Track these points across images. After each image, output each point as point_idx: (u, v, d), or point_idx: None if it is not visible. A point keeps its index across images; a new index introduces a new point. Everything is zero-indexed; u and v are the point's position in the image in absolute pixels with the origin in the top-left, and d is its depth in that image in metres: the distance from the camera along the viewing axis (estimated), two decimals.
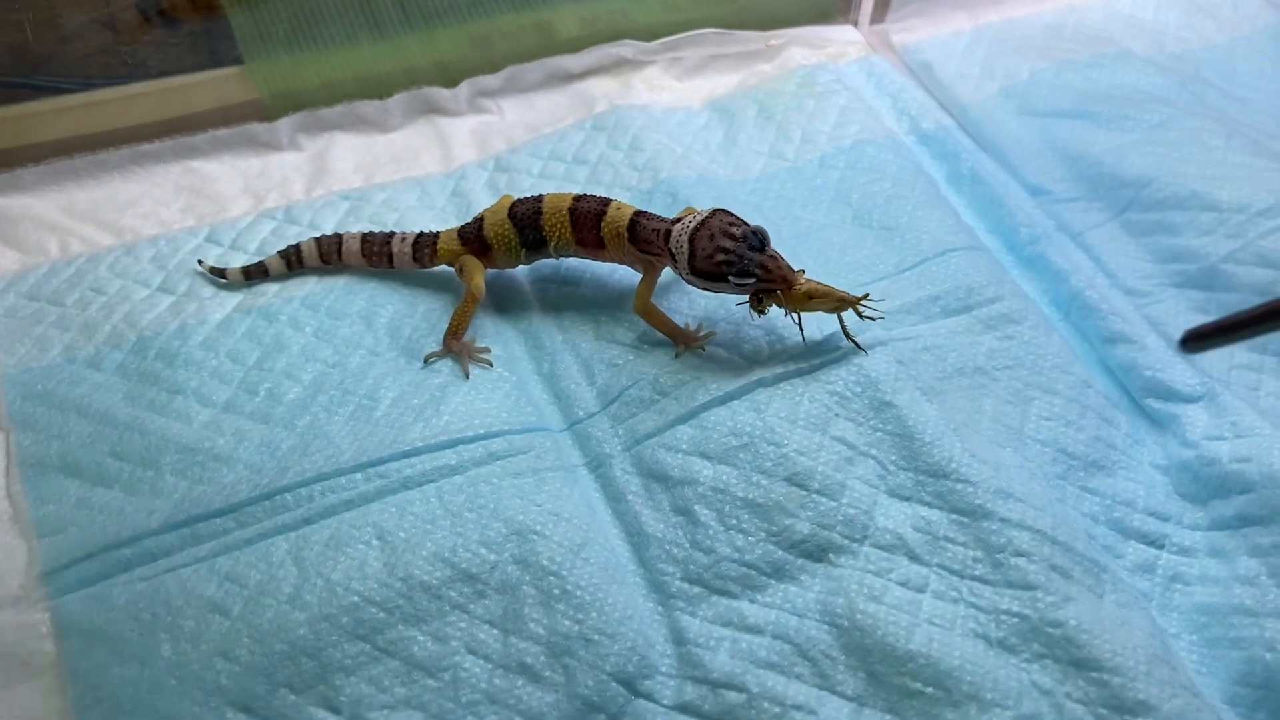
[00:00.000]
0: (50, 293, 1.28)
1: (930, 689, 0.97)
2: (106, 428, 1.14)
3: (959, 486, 1.07)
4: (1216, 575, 1.08)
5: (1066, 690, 0.97)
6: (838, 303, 1.12)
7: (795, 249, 1.31)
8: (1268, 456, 1.10)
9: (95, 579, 1.03)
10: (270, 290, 1.29)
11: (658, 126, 1.48)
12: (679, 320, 1.21)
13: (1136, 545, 1.10)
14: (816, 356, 1.17)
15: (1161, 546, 1.10)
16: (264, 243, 1.35)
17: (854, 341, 1.14)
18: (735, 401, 1.14)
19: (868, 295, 1.12)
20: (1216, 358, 1.22)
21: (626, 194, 1.39)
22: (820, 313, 1.14)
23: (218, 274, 1.30)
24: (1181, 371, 1.20)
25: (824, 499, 1.07)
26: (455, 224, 1.35)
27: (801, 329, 1.16)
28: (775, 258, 1.11)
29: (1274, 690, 1.00)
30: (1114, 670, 0.96)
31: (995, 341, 1.21)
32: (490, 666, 0.99)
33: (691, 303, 1.25)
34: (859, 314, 1.12)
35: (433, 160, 1.48)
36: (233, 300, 1.28)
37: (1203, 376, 1.20)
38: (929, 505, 1.07)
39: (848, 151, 1.44)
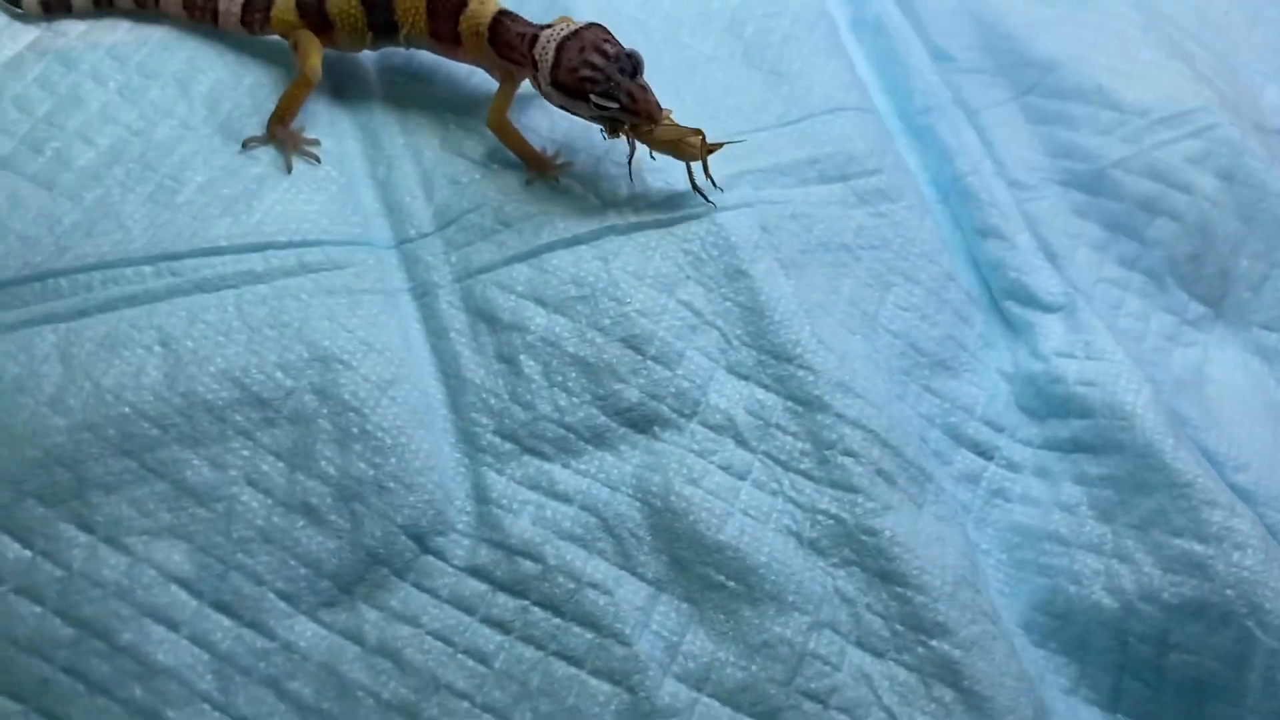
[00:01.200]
0: None
1: (732, 583, 0.94)
2: None
3: (800, 373, 1.01)
4: (1038, 497, 1.06)
5: (868, 601, 0.95)
6: (692, 151, 1.02)
7: (675, 81, 1.19)
8: (1113, 385, 1.07)
9: None
10: (73, 31, 1.11)
11: None
12: (535, 142, 1.10)
13: (966, 454, 1.07)
14: (677, 209, 1.08)
15: (990, 458, 1.08)
16: None
17: (702, 194, 1.05)
18: (582, 246, 1.05)
19: (721, 145, 1.02)
20: (1085, 267, 1.18)
21: None
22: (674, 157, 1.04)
23: (12, 3, 1.11)
24: (1046, 278, 1.15)
25: (659, 367, 1.00)
26: None
27: (632, 173, 1.06)
28: (645, 88, 1.00)
29: (1070, 623, 1.00)
30: (919, 588, 0.94)
31: (866, 218, 1.14)
32: (270, 503, 0.91)
33: (553, 124, 1.13)
34: (706, 171, 1.03)
35: None
36: (27, 36, 1.10)
37: (1066, 287, 1.15)
38: (766, 388, 1.02)
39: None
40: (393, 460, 0.93)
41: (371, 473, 0.92)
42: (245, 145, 1.07)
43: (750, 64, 1.25)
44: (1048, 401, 1.09)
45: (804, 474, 0.99)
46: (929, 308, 1.12)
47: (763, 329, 1.03)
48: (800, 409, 1.01)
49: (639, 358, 1.00)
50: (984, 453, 1.08)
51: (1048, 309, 1.14)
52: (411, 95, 1.15)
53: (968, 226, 1.20)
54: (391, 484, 0.92)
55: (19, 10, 1.11)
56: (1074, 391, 1.08)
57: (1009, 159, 1.23)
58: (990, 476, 1.07)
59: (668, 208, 1.08)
